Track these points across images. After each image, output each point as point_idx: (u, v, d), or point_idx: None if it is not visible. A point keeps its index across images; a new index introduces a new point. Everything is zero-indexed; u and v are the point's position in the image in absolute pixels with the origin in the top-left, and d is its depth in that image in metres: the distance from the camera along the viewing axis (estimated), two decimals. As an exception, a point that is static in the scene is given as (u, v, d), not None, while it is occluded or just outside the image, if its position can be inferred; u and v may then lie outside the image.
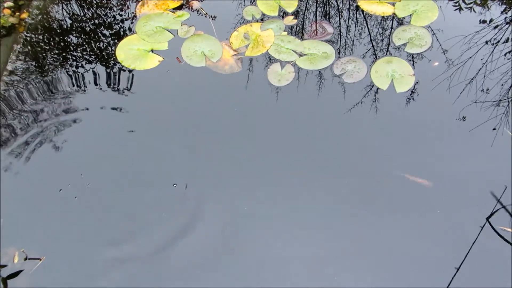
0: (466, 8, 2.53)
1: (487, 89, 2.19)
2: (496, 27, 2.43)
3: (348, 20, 2.48)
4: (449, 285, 1.68)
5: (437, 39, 2.37)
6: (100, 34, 2.46)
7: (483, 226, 1.81)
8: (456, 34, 2.39)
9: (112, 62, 2.34)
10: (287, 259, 1.77)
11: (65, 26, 2.49)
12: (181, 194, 1.93)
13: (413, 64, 2.28)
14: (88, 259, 1.78)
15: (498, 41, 2.37)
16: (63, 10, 2.56)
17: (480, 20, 2.47)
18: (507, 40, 2.37)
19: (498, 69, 2.26)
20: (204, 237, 1.82)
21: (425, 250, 1.78)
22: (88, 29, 2.47)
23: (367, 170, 1.98)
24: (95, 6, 2.58)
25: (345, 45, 2.37)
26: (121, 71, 2.31)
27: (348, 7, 2.53)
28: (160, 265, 1.76)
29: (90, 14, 2.54)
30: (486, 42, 2.37)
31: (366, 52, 2.34)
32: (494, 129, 1.97)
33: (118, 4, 2.58)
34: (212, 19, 2.47)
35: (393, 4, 2.50)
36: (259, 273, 1.74)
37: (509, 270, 1.73)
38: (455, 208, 1.86)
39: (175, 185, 1.91)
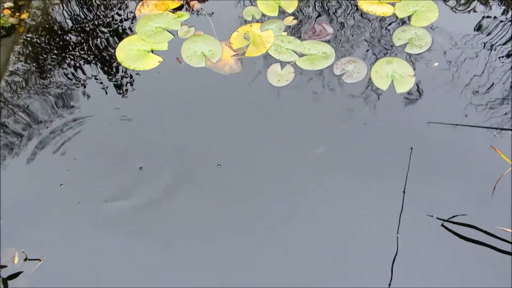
0: (467, 7, 2.53)
1: (487, 89, 2.19)
2: (495, 27, 2.43)
3: (348, 20, 2.47)
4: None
5: (437, 40, 2.37)
6: (100, 35, 2.45)
7: None
8: (456, 34, 2.39)
9: (112, 62, 2.34)
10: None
11: (65, 27, 2.49)
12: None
13: (413, 64, 2.28)
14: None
15: (498, 42, 2.37)
16: (63, 10, 2.56)
17: (480, 21, 2.47)
18: (507, 40, 2.37)
19: (498, 69, 2.26)
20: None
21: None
22: (88, 29, 2.47)
23: (367, 171, 1.98)
24: (95, 6, 2.58)
25: (345, 45, 2.37)
26: (121, 72, 2.31)
27: (348, 7, 2.52)
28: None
29: (90, 15, 2.54)
30: (486, 43, 2.36)
31: (366, 53, 2.33)
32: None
33: (118, 4, 2.58)
34: (211, 15, 2.47)
35: (393, 5, 2.50)
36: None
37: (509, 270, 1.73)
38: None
39: (219, 166, 1.91)
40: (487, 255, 1.77)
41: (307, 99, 2.20)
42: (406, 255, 1.78)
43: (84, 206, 1.90)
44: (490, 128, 1.96)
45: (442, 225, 1.83)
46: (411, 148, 2.01)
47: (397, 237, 1.81)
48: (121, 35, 2.44)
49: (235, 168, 2.00)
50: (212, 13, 2.51)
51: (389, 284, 1.72)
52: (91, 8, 2.57)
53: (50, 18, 2.53)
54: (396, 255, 1.77)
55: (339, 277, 1.75)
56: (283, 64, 2.29)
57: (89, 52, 2.39)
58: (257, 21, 2.46)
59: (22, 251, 1.79)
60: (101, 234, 1.84)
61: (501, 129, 1.93)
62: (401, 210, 1.86)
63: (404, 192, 1.90)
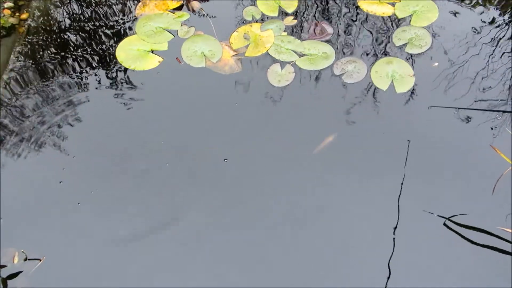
0: (466, 8, 2.53)
1: (487, 89, 2.19)
2: (495, 27, 2.43)
3: (348, 20, 2.47)
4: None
5: (437, 40, 2.37)
6: (99, 35, 2.45)
7: None
8: (456, 34, 2.39)
9: (112, 62, 2.34)
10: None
11: (65, 27, 2.49)
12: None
13: (413, 64, 2.28)
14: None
15: (498, 42, 2.37)
16: (63, 10, 2.56)
17: (480, 21, 2.47)
18: (507, 41, 2.37)
19: (498, 69, 2.26)
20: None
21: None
22: (88, 29, 2.47)
23: (367, 170, 1.98)
24: (95, 6, 2.58)
25: (345, 45, 2.37)
26: (121, 72, 2.31)
27: (348, 7, 2.53)
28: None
29: (90, 15, 2.54)
30: (486, 43, 2.36)
31: (366, 53, 2.34)
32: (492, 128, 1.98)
33: (118, 4, 2.58)
34: (211, 17, 2.47)
35: (393, 5, 2.50)
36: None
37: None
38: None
39: (225, 160, 1.92)
40: (487, 255, 1.77)
41: (307, 99, 2.20)
42: (406, 254, 1.78)
43: (84, 205, 1.90)
44: (491, 110, 1.96)
45: (444, 223, 1.83)
46: (409, 141, 2.01)
47: (394, 237, 1.81)
48: (121, 35, 2.44)
49: (235, 168, 1.99)
50: (215, 16, 2.51)
51: (387, 284, 1.72)
52: (91, 8, 2.57)
53: (50, 18, 2.53)
54: (393, 254, 1.78)
55: (340, 276, 1.75)
56: (283, 64, 2.29)
57: (89, 52, 2.39)
58: (257, 21, 2.46)
59: (22, 251, 1.79)
60: (101, 234, 1.84)
61: (503, 111, 1.94)
62: (398, 210, 1.86)
63: (402, 184, 1.90)
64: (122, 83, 2.27)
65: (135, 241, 1.83)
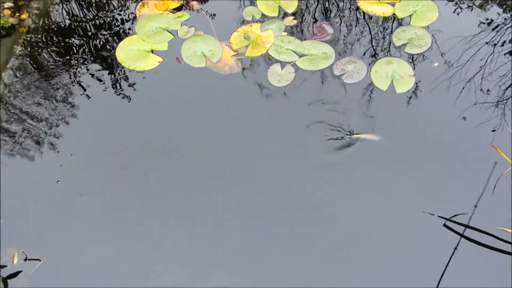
0: (465, 8, 2.53)
1: (487, 90, 2.19)
2: (495, 28, 2.43)
3: (348, 20, 2.47)
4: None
5: (437, 40, 2.37)
6: (99, 35, 2.45)
7: None
8: (456, 34, 2.39)
9: (112, 62, 2.34)
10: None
11: (65, 27, 2.49)
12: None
13: (413, 64, 2.28)
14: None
15: (498, 42, 2.37)
16: (63, 11, 2.56)
17: (479, 21, 2.47)
18: (507, 41, 2.37)
19: (498, 69, 2.26)
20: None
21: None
22: (88, 29, 2.47)
23: (366, 170, 1.98)
24: (95, 6, 2.58)
25: (345, 45, 2.37)
26: (121, 72, 2.31)
27: (348, 7, 2.53)
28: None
29: (90, 15, 2.54)
30: (486, 43, 2.37)
31: (366, 53, 2.34)
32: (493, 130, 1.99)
33: (119, 4, 2.58)
34: (211, 17, 2.47)
35: (393, 5, 2.50)
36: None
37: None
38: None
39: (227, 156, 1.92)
40: (487, 255, 1.77)
41: (307, 99, 2.20)
42: (406, 254, 1.78)
43: (84, 205, 1.90)
44: None
45: (444, 224, 1.83)
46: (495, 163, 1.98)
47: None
48: (121, 35, 2.44)
49: (234, 167, 1.99)
50: (215, 16, 2.51)
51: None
52: (91, 8, 2.57)
53: (50, 18, 2.53)
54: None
55: (340, 276, 1.75)
56: (283, 64, 2.29)
57: (89, 52, 2.39)
58: (257, 21, 2.46)
59: (22, 251, 1.79)
60: (101, 234, 1.84)
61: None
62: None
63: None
64: (122, 83, 2.27)
65: (135, 240, 1.83)
